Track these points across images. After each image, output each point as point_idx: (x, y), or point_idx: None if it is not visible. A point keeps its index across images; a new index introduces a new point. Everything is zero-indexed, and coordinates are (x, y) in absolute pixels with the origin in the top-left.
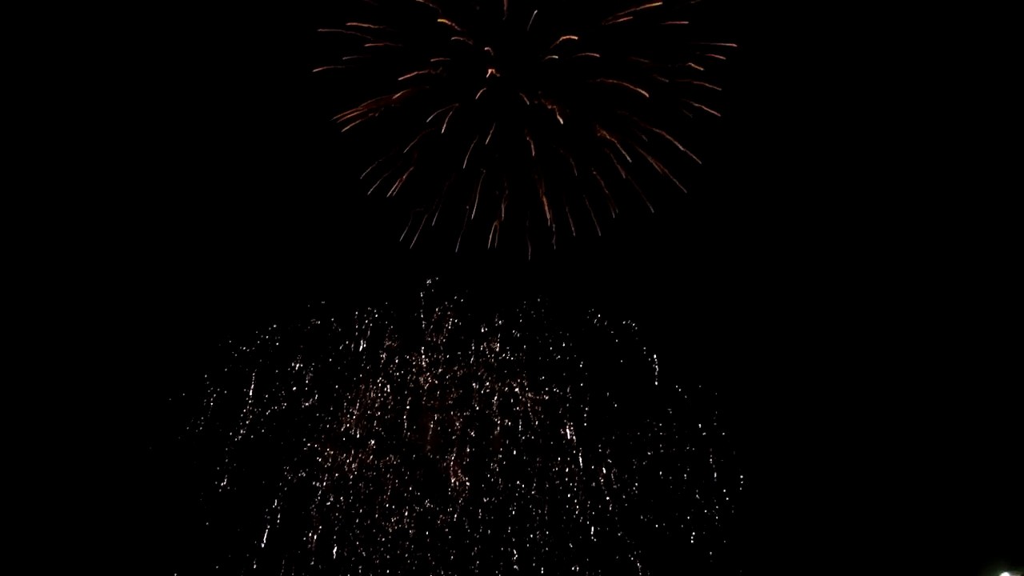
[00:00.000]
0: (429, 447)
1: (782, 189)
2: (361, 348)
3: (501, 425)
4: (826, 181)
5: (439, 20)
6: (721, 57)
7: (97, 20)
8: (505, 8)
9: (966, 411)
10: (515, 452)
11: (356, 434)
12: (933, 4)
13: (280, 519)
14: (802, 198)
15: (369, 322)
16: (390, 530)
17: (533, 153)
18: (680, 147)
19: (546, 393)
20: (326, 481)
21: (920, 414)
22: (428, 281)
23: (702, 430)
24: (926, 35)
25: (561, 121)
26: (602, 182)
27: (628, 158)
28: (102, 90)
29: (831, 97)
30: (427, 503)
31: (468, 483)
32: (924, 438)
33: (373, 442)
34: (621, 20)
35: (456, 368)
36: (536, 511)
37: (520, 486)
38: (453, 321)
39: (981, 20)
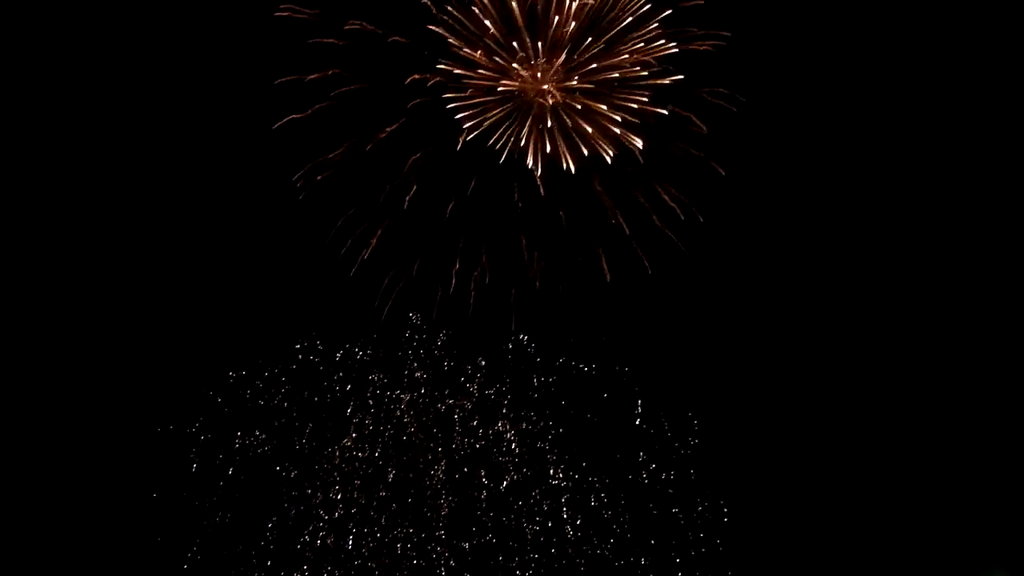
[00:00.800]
0: (415, 482)
1: (788, 245)
2: (348, 388)
3: (486, 461)
4: (830, 242)
5: (409, 80)
6: (732, 108)
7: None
8: (481, 56)
9: (958, 420)
10: (502, 487)
11: (344, 469)
12: (943, 50)
13: (271, 560)
14: (808, 255)
15: (354, 360)
16: (378, 569)
17: (517, 201)
18: (680, 211)
19: (531, 427)
20: (314, 519)
21: (913, 420)
22: (411, 316)
23: (684, 461)
24: (938, 80)
25: (539, 183)
26: (600, 249)
27: (624, 225)
28: (56, 147)
29: (842, 156)
30: (413, 539)
31: (455, 518)
32: (918, 445)
33: (358, 481)
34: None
35: (440, 405)
36: (524, 545)
37: (507, 520)
38: (436, 359)
39: (988, 70)
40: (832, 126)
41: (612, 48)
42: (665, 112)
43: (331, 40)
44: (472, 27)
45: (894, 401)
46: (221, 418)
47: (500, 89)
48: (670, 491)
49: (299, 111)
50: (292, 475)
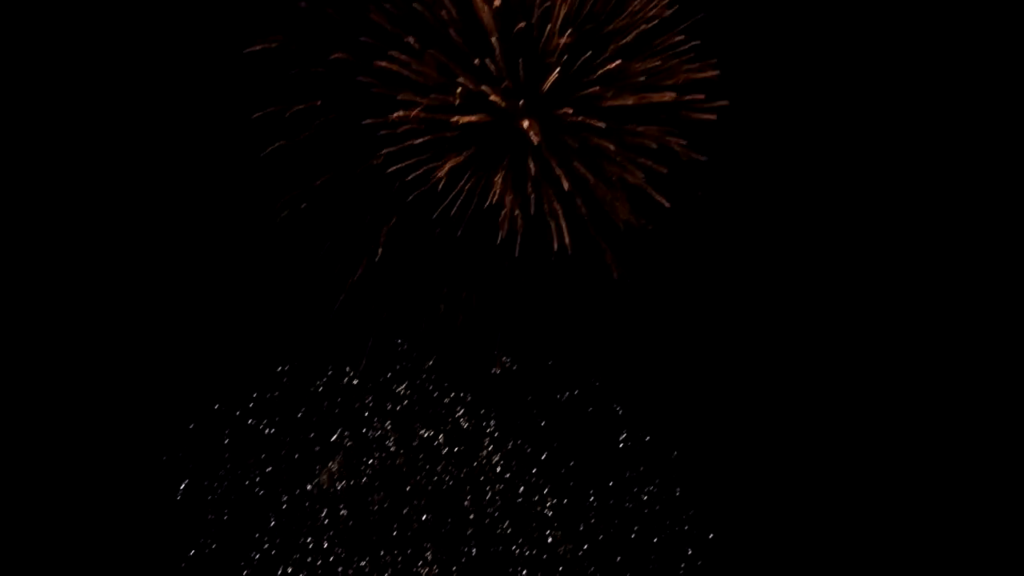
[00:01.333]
0: (402, 507)
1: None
2: (336, 412)
3: (474, 485)
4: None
5: (393, 117)
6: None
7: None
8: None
9: (948, 425)
10: (490, 511)
11: (330, 495)
12: (942, 73)
13: None
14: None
15: (340, 386)
16: None
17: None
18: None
19: (519, 450)
20: (301, 546)
21: (904, 426)
22: (398, 342)
23: (669, 481)
24: (935, 96)
25: (519, 223)
26: (588, 270)
27: (608, 250)
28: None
29: (835, 180)
30: (400, 564)
31: (443, 543)
32: (910, 449)
33: (344, 508)
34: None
35: (425, 432)
36: (516, 568)
37: (496, 544)
38: (423, 384)
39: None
40: (824, 155)
41: (623, 65)
42: (704, 158)
43: (317, 69)
44: (423, 34)
45: (884, 409)
46: (206, 445)
47: (463, 123)
48: (657, 507)
49: (285, 140)
50: (282, 501)
